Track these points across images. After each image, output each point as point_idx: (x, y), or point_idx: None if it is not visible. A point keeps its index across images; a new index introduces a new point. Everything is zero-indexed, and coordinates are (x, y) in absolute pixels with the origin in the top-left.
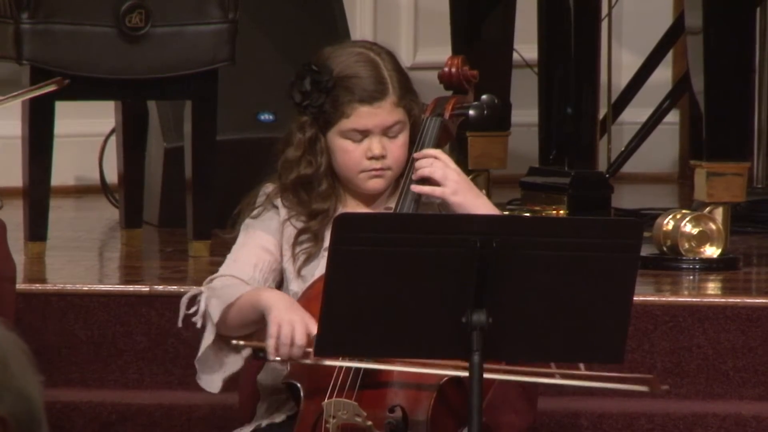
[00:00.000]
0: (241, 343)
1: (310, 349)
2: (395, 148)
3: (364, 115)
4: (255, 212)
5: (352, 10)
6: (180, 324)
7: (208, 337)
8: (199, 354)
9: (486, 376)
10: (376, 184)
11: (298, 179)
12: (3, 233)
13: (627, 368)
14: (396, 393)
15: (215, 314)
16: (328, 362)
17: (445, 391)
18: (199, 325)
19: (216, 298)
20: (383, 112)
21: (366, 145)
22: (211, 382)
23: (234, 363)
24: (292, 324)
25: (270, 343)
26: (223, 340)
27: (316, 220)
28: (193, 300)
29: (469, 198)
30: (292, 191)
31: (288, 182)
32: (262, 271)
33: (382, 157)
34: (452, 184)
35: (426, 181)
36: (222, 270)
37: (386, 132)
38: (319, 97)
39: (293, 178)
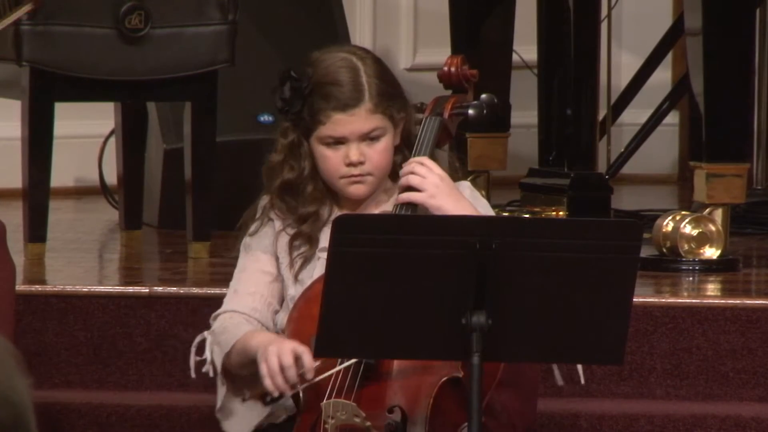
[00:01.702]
0: (247, 396)
1: (303, 371)
2: (374, 154)
3: (338, 123)
4: (252, 228)
5: (352, 11)
6: (193, 374)
7: (221, 392)
8: (218, 405)
9: None
10: (356, 189)
11: (282, 185)
12: (2, 235)
13: (626, 369)
14: (395, 393)
15: (218, 364)
16: (328, 373)
17: (443, 392)
18: (211, 374)
19: (217, 345)
20: (358, 120)
21: (344, 151)
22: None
23: (259, 410)
24: (275, 353)
25: (266, 383)
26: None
27: (307, 224)
28: (201, 346)
29: (448, 202)
30: (278, 197)
31: (273, 188)
32: (263, 297)
33: (360, 163)
34: (431, 188)
35: (411, 188)
36: (225, 304)
37: (364, 138)
38: (297, 103)
39: (278, 184)
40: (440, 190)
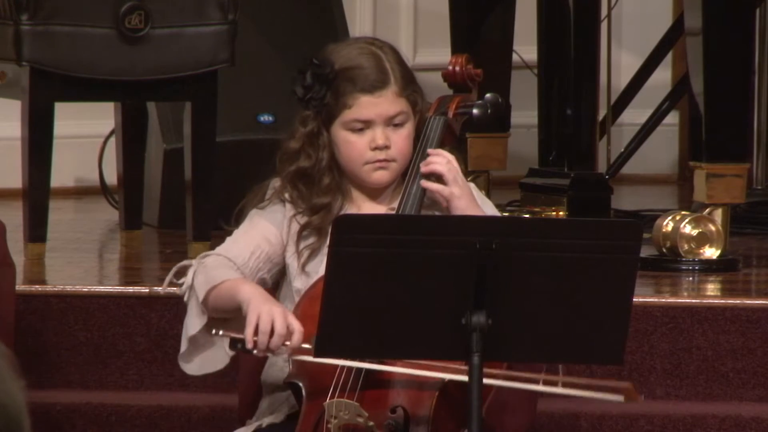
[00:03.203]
0: (220, 332)
1: (288, 343)
2: (399, 139)
3: (365, 105)
4: (263, 204)
5: (352, 11)
6: (163, 288)
7: (195, 320)
8: (189, 334)
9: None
10: (381, 176)
11: (296, 172)
12: (2, 235)
13: (626, 369)
14: (398, 393)
15: (200, 293)
16: (305, 358)
17: (446, 392)
18: (185, 298)
19: (203, 275)
20: (385, 102)
21: (369, 136)
22: (192, 367)
23: (217, 359)
24: (271, 314)
25: (248, 332)
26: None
27: (318, 215)
28: (183, 270)
29: (469, 205)
30: (290, 184)
31: (286, 174)
32: (258, 259)
33: (386, 147)
34: (457, 188)
35: (434, 177)
36: (219, 249)
37: (389, 122)
38: (321, 89)
39: (292, 171)
40: (465, 192)
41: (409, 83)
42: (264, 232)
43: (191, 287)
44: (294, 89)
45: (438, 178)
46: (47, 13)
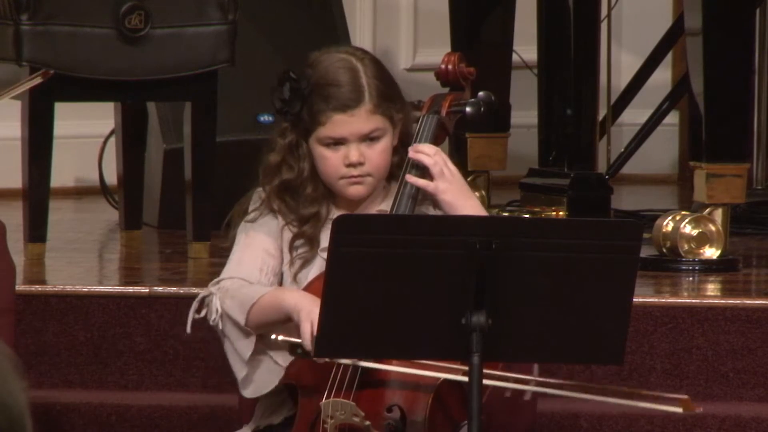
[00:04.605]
0: (280, 338)
1: None
2: (374, 155)
3: (338, 123)
4: (252, 216)
5: (352, 11)
6: (188, 330)
7: (244, 343)
8: (246, 357)
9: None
10: (356, 190)
11: (281, 184)
12: (2, 235)
13: (626, 369)
14: (394, 393)
15: (240, 316)
16: (344, 361)
17: (443, 391)
18: (220, 327)
19: (232, 299)
20: (358, 121)
21: (343, 152)
22: (250, 390)
23: (269, 380)
24: None
25: (306, 338)
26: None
27: (308, 225)
28: (203, 302)
29: (459, 199)
30: (277, 197)
31: (272, 188)
32: (267, 274)
33: (360, 164)
34: (444, 183)
35: (422, 171)
36: (226, 272)
37: (364, 138)
38: (296, 104)
39: (276, 184)
40: (453, 186)
41: (386, 99)
42: (263, 245)
43: (223, 315)
44: (272, 101)
45: (425, 171)
46: (47, 13)
